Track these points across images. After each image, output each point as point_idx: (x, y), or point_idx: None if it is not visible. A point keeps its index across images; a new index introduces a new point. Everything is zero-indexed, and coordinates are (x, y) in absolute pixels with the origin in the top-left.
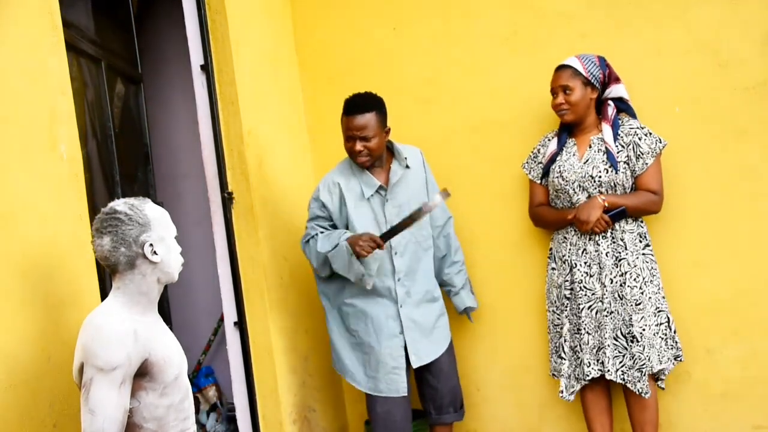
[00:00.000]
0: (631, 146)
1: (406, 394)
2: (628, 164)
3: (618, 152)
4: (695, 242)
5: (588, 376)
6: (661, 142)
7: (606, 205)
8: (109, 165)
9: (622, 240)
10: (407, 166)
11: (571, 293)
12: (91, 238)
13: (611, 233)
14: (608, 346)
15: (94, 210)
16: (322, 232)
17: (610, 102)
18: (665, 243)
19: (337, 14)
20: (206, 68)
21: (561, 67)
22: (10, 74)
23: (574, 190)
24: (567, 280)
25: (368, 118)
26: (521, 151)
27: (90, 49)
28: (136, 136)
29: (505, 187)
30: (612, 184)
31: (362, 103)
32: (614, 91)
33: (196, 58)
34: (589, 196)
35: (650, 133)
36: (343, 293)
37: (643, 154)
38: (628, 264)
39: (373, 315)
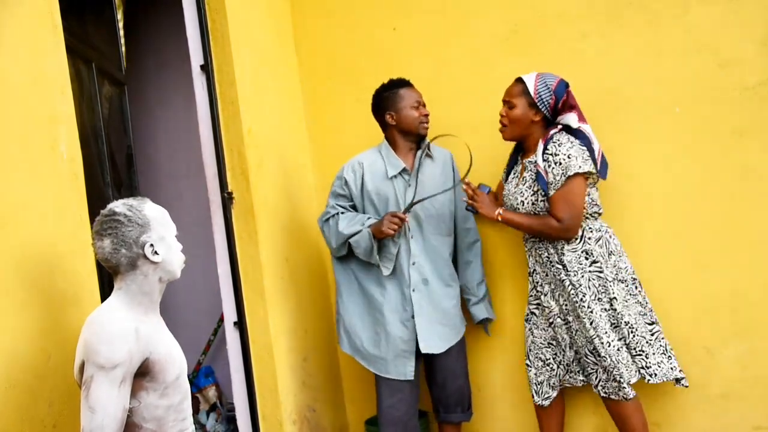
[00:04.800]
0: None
1: (411, 378)
2: (539, 192)
3: (535, 180)
4: (695, 242)
5: (557, 385)
6: (568, 171)
7: (499, 219)
8: (101, 167)
9: (560, 262)
10: (428, 154)
11: (536, 307)
12: (92, 240)
13: (547, 256)
14: (584, 361)
15: (89, 213)
16: (342, 212)
17: (560, 125)
18: (665, 243)
19: (337, 14)
20: (206, 68)
21: (517, 80)
22: (10, 74)
23: None
24: (531, 294)
25: None
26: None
27: (81, 49)
28: (122, 139)
29: None
30: (533, 213)
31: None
32: (565, 118)
33: (196, 58)
34: None
35: (560, 163)
36: (363, 273)
37: (549, 183)
38: (572, 284)
39: (388, 297)
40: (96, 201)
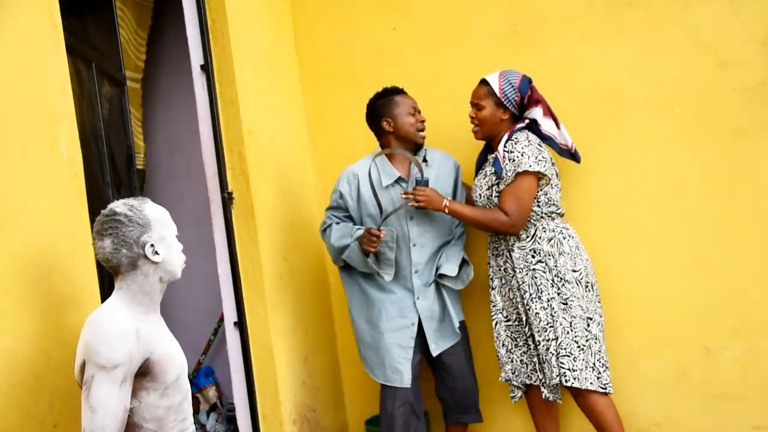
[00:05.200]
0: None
1: (409, 386)
2: (494, 187)
3: (492, 174)
4: (695, 242)
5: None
6: (519, 168)
7: (446, 211)
8: (101, 167)
9: (510, 258)
10: (425, 160)
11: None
12: (92, 240)
13: (500, 250)
14: (526, 359)
15: (89, 213)
16: (337, 223)
17: (527, 120)
18: (665, 243)
19: (337, 14)
20: (206, 68)
21: (481, 82)
22: (10, 74)
23: None
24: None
25: None
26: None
27: (81, 49)
28: (121, 139)
29: None
30: (488, 207)
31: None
32: (532, 113)
33: (196, 58)
34: None
35: (513, 160)
36: (363, 282)
37: (501, 178)
38: (517, 280)
39: (389, 304)
40: (96, 201)
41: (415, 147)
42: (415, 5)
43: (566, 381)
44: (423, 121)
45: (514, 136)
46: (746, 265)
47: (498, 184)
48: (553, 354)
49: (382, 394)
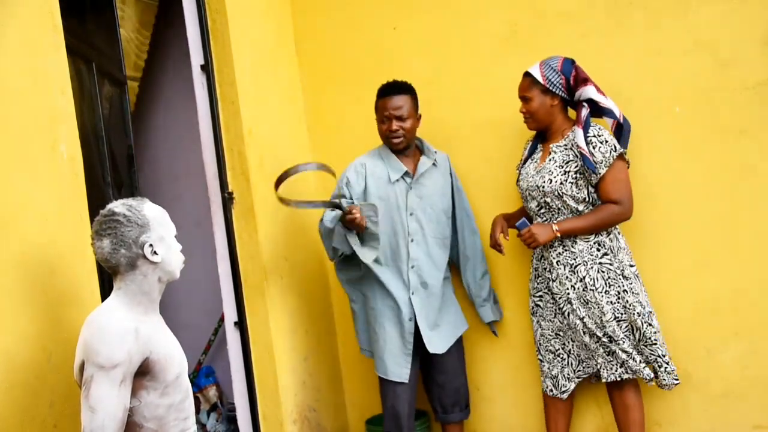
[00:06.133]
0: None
1: (406, 381)
2: (583, 174)
3: (567, 162)
4: (695, 242)
5: (572, 377)
6: (615, 150)
7: (558, 235)
8: (101, 167)
9: (573, 249)
10: (434, 163)
11: (539, 299)
12: (91, 240)
13: (560, 242)
14: (594, 348)
15: (89, 213)
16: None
17: (585, 104)
18: (665, 243)
19: (337, 14)
20: (206, 68)
21: (525, 75)
22: (10, 74)
23: (526, 198)
24: (534, 286)
25: (404, 100)
26: (522, 151)
27: (81, 49)
28: (122, 139)
29: (505, 187)
30: (557, 193)
31: (397, 86)
32: (584, 93)
33: (196, 58)
34: (537, 205)
35: (606, 141)
36: (362, 279)
37: (597, 163)
38: (578, 273)
39: (387, 299)
40: (96, 201)
41: (419, 144)
42: (415, 5)
43: (664, 369)
44: (393, 129)
45: (593, 124)
46: (747, 264)
47: (579, 172)
48: (630, 346)
49: (384, 390)
